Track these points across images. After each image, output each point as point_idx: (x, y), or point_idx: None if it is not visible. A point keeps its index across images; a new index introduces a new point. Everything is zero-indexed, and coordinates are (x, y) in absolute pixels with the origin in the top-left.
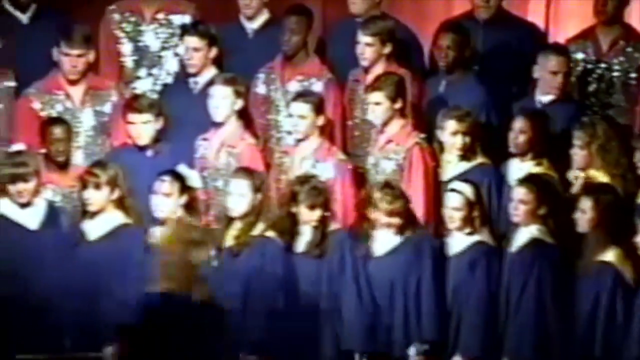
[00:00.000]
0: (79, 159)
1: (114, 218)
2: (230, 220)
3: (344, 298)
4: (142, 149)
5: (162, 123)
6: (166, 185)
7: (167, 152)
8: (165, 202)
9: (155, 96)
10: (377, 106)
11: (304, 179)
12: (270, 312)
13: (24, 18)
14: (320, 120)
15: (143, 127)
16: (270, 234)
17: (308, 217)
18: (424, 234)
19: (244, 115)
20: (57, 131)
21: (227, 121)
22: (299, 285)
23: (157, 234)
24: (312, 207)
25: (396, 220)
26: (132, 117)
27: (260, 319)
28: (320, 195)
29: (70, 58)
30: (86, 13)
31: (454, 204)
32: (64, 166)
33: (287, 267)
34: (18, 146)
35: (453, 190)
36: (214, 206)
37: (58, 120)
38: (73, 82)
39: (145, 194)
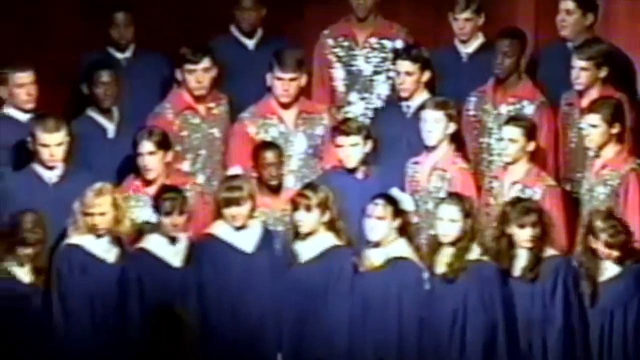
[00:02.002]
0: (290, 182)
1: (325, 240)
2: (439, 244)
3: (555, 323)
4: (352, 171)
5: (370, 146)
6: (380, 208)
7: (377, 174)
8: (379, 225)
9: (366, 120)
10: (593, 129)
11: (516, 201)
12: (488, 335)
13: (249, 44)
14: (531, 146)
15: (351, 150)
16: (486, 258)
17: (519, 236)
18: None
19: (456, 139)
20: (270, 155)
21: (439, 145)
22: (516, 310)
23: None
24: (521, 226)
25: (615, 253)
26: (341, 140)
27: (479, 342)
28: (530, 214)
29: (283, 82)
30: (301, 38)
31: None
32: (276, 190)
33: (505, 292)
34: (235, 170)
35: None
36: (424, 229)
37: (270, 145)
38: (286, 106)
39: (354, 216)
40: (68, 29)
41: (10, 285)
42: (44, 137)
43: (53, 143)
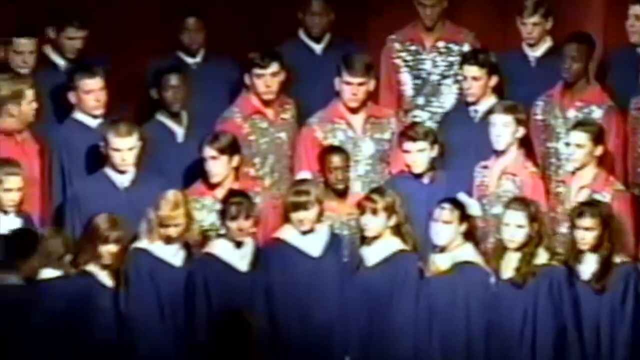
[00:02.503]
0: (358, 187)
1: (390, 244)
2: (505, 249)
3: (624, 328)
4: (418, 176)
5: (437, 151)
6: (446, 212)
7: (444, 179)
8: (445, 230)
9: (434, 124)
10: None
11: (584, 203)
12: (558, 338)
13: (317, 48)
14: (598, 151)
15: (418, 156)
16: (555, 263)
17: (576, 238)
18: None
19: (525, 143)
20: (336, 159)
21: (508, 149)
22: (585, 313)
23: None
24: (576, 228)
25: None
26: (408, 145)
27: (549, 345)
28: (584, 218)
29: (352, 87)
30: (368, 42)
31: None
32: (342, 194)
33: (574, 295)
34: (303, 174)
35: None
36: (492, 234)
37: (337, 149)
38: (354, 111)
39: (420, 220)
40: (140, 34)
41: (89, 287)
42: (116, 141)
43: (125, 147)
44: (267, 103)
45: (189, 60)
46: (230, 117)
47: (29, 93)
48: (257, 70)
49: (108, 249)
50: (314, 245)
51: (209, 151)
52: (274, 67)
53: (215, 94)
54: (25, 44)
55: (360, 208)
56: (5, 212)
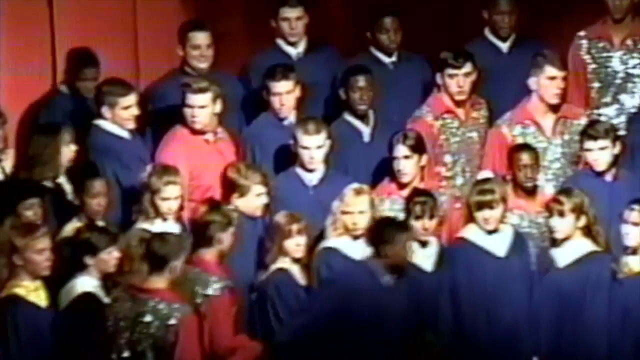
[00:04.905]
0: (548, 190)
1: (582, 245)
2: None
3: None
4: (601, 174)
5: (619, 148)
6: (635, 214)
7: (627, 178)
8: (635, 231)
9: (622, 122)
10: None
11: None
12: None
13: (504, 47)
14: None
15: (600, 154)
16: None
17: None
18: None
19: None
20: (525, 157)
21: None
22: None
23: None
24: None
25: None
26: (589, 143)
27: None
28: None
29: (557, 81)
30: (556, 39)
31: None
32: (531, 192)
33: None
34: (485, 174)
35: None
36: None
37: (526, 147)
38: (545, 112)
39: (603, 219)
40: (336, 34)
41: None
42: (305, 139)
43: (313, 146)
44: (458, 103)
45: (386, 59)
46: (421, 116)
47: (213, 90)
48: (450, 71)
49: (294, 242)
50: (499, 245)
51: (402, 150)
52: (468, 67)
53: (410, 93)
54: (202, 37)
55: (548, 209)
56: (165, 220)
